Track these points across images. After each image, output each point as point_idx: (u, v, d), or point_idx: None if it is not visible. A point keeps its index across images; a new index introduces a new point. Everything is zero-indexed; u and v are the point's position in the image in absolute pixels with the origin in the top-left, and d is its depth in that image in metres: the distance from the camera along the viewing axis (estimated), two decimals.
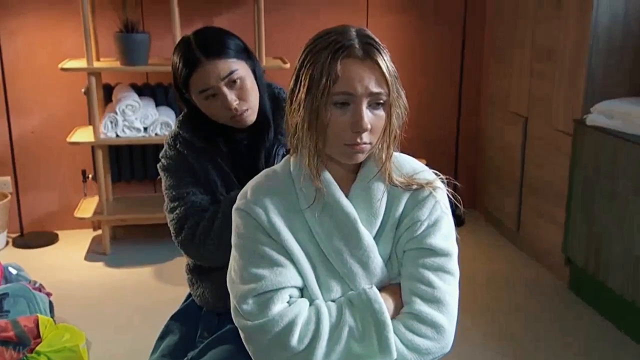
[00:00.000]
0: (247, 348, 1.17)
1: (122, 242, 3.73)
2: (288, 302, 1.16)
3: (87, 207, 3.61)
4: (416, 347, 1.14)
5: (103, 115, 3.46)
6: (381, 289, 1.18)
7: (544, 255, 3.34)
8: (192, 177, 1.60)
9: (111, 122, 3.39)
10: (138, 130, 3.42)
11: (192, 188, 1.59)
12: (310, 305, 1.17)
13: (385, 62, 1.13)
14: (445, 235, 1.20)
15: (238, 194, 1.26)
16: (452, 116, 4.05)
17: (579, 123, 2.89)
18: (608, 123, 2.71)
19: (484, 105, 4.01)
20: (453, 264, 1.20)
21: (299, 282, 1.18)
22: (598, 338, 2.69)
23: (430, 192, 1.21)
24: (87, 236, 3.79)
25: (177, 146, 1.61)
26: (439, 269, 1.18)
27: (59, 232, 3.80)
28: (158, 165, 1.66)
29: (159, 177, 1.66)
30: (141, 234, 3.79)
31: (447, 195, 1.24)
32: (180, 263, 1.78)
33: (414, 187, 1.21)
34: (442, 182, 1.24)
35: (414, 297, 1.17)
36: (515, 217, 3.58)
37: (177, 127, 1.64)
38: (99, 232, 3.72)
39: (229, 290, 1.21)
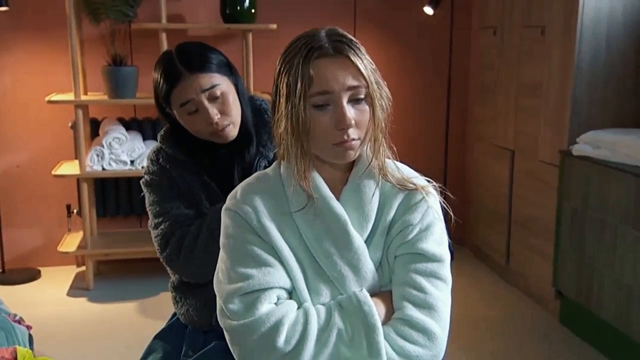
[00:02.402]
0: (232, 351, 1.13)
1: (105, 277, 3.66)
2: (276, 303, 1.13)
3: (70, 242, 3.54)
4: (407, 353, 1.10)
5: (89, 148, 3.44)
6: (372, 295, 1.15)
7: (534, 289, 3.31)
8: (175, 191, 1.57)
9: (97, 155, 3.37)
10: (125, 163, 3.40)
11: (175, 202, 1.56)
12: (298, 308, 1.13)
13: (358, 56, 1.11)
14: (438, 241, 1.18)
15: (223, 206, 1.23)
16: (439, 153, 4.07)
17: (565, 154, 2.91)
18: (594, 153, 2.73)
19: (471, 141, 4.04)
20: (445, 271, 1.18)
21: (287, 284, 1.15)
22: None
23: (423, 197, 1.19)
24: (70, 273, 3.71)
25: (160, 161, 1.60)
26: (431, 275, 1.16)
27: (42, 269, 3.73)
28: (141, 182, 1.63)
29: (142, 194, 1.64)
30: (125, 269, 3.73)
31: (440, 203, 1.22)
32: (165, 298, 1.73)
33: (409, 186, 1.19)
34: (435, 189, 1.23)
35: (405, 302, 1.14)
36: (504, 252, 3.56)
37: (159, 142, 1.63)
38: (83, 268, 3.65)
39: (216, 291, 1.18)
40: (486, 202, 3.77)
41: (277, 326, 1.08)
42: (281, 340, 1.08)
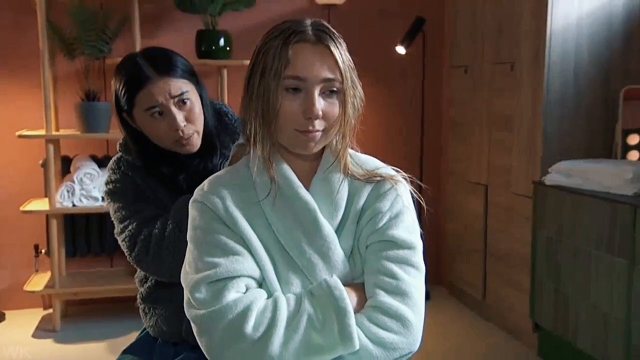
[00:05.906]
0: (199, 343, 1.08)
1: (73, 319, 3.54)
2: (244, 292, 1.09)
3: (37, 282, 3.43)
4: (381, 340, 1.07)
5: (60, 185, 3.37)
6: (344, 285, 1.11)
7: (511, 323, 3.27)
8: (140, 195, 1.55)
9: (68, 191, 3.31)
10: (96, 199, 3.33)
11: (142, 204, 1.53)
12: (268, 297, 1.10)
13: (339, 49, 1.13)
14: (408, 229, 1.17)
15: (188, 198, 1.21)
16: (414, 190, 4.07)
17: (538, 184, 2.93)
18: (566, 181, 2.75)
19: (444, 177, 4.06)
20: (418, 258, 1.16)
21: (256, 273, 1.11)
22: None
23: (392, 186, 1.19)
24: (36, 315, 3.58)
25: (122, 169, 1.57)
26: (403, 262, 1.14)
27: (6, 312, 3.59)
28: (103, 193, 1.60)
29: (106, 202, 1.60)
30: (94, 310, 3.61)
31: (411, 192, 1.22)
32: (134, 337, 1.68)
33: (376, 179, 1.19)
34: (405, 179, 1.23)
35: (377, 289, 1.11)
36: (480, 288, 3.53)
37: (119, 150, 1.60)
38: (49, 311, 3.52)
39: (182, 283, 1.14)
40: (461, 238, 3.76)
41: (245, 313, 1.05)
42: (249, 326, 1.04)
